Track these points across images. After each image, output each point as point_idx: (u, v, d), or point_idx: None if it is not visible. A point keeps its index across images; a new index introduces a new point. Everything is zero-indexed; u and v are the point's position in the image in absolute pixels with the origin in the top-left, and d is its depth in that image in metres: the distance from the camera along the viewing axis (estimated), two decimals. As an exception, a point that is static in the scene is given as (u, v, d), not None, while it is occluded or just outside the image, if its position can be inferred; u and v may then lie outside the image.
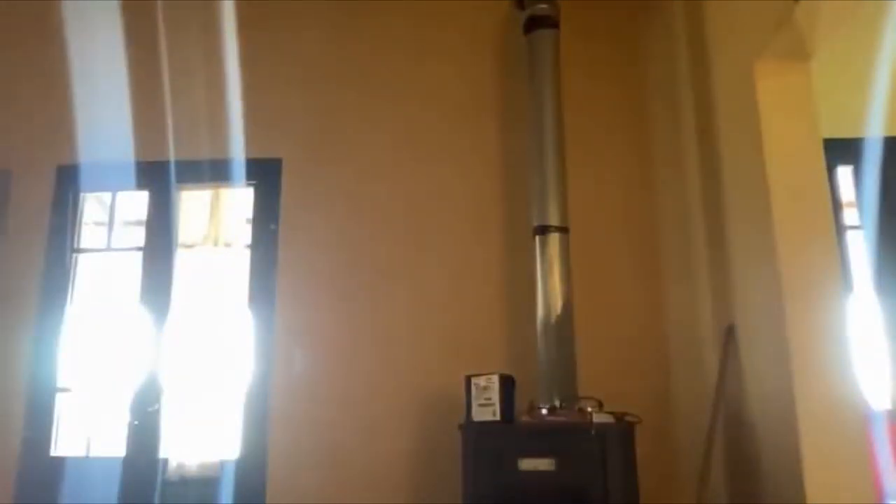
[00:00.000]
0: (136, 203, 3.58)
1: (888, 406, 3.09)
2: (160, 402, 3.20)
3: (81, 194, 3.49)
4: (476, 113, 3.44)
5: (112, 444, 3.33)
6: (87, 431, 3.49)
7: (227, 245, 3.99)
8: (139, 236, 3.43)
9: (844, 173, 3.35)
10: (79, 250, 3.45)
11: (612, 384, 2.86)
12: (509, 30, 3.48)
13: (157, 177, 3.39)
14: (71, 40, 3.51)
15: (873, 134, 3.17)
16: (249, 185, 3.45)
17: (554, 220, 2.93)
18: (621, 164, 3.35)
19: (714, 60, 2.76)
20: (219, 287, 3.75)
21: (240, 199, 3.71)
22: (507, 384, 2.62)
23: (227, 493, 3.05)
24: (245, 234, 3.45)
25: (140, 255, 3.38)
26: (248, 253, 3.37)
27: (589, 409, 2.55)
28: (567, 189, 3.00)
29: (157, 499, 3.07)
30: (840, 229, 3.25)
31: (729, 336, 2.57)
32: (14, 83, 3.57)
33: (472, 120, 3.43)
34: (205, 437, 3.44)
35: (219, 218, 4.02)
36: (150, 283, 3.32)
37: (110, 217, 3.58)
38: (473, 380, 2.65)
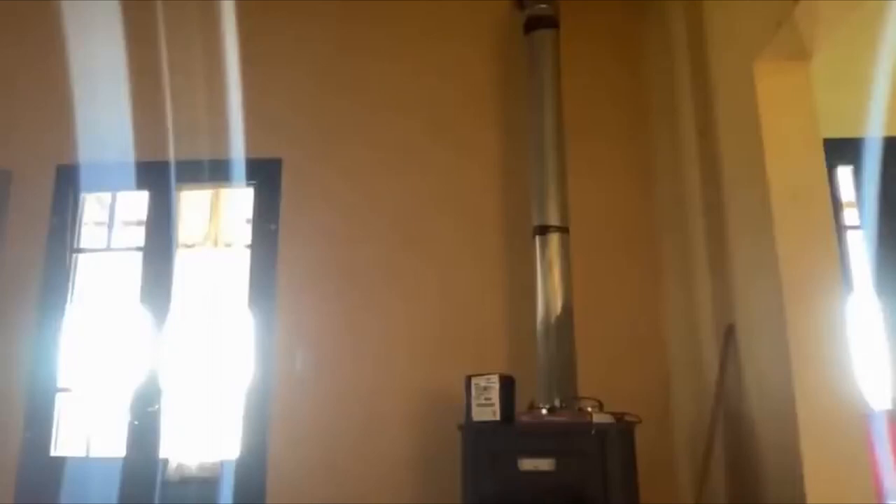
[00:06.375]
0: (136, 203, 3.58)
1: (888, 406, 3.09)
2: (160, 402, 3.20)
3: (81, 194, 3.49)
4: (476, 112, 3.44)
5: (112, 444, 3.32)
6: (87, 431, 3.49)
7: (227, 245, 3.98)
8: (139, 236, 3.43)
9: (844, 173, 3.35)
10: (79, 250, 3.45)
11: (612, 384, 2.86)
12: (509, 30, 3.48)
13: (157, 177, 3.39)
14: (71, 40, 3.51)
15: (873, 134, 3.17)
16: (249, 185, 3.45)
17: (554, 220, 2.93)
18: (621, 163, 3.36)
19: (714, 60, 2.76)
20: (219, 287, 3.74)
21: (240, 199, 3.70)
22: (507, 384, 2.62)
23: (227, 493, 3.05)
24: (245, 234, 3.45)
25: (140, 255, 3.38)
26: (248, 253, 3.37)
27: (589, 409, 2.55)
28: (567, 189, 2.99)
29: (157, 499, 3.07)
30: (840, 229, 3.25)
31: (729, 336, 2.57)
32: (14, 83, 3.57)
33: (472, 119, 3.43)
34: (205, 437, 3.44)
35: (219, 218, 4.01)
36: (150, 283, 3.32)
37: (110, 217, 3.58)
38: (473, 380, 2.65)
